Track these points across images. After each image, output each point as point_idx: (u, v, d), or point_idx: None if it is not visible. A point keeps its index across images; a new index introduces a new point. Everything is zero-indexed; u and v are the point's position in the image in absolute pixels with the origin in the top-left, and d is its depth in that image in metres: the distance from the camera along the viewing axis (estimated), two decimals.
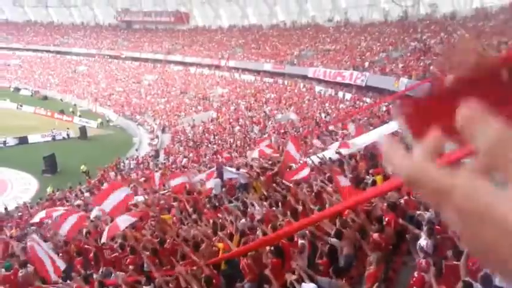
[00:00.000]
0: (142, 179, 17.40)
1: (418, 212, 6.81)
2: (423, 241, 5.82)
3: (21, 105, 45.31)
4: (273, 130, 22.52)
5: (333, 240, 6.46)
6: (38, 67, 65.02)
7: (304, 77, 34.35)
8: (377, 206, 7.23)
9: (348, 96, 27.07)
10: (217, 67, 46.94)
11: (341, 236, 6.43)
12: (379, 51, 29.92)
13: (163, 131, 33.27)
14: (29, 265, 8.25)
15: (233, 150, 19.99)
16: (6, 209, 17.07)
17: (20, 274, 8.08)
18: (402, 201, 7.50)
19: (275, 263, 5.91)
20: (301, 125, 21.38)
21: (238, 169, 13.88)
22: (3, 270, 8.63)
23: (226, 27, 57.50)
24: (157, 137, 31.88)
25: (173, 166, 20.56)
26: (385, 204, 7.11)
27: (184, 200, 10.94)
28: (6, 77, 62.51)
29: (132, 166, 23.22)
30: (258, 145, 15.10)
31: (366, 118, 18.22)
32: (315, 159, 11.54)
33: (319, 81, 32.16)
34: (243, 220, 8.34)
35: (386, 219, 6.67)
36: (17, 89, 55.67)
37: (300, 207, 7.77)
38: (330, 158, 11.01)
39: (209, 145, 24.12)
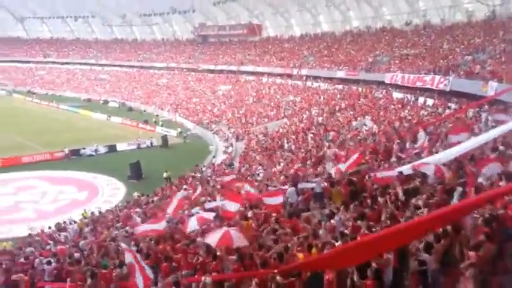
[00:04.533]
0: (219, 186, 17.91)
1: None
2: None
3: (109, 116, 49.38)
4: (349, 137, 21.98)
5: (425, 256, 6.11)
6: (123, 81, 70.50)
7: (380, 83, 33.18)
8: (468, 220, 6.69)
9: (430, 102, 25.56)
10: (289, 76, 47.17)
11: (431, 251, 6.08)
12: (464, 54, 27.95)
13: (237, 139, 34.14)
14: (124, 267, 8.86)
15: (307, 159, 19.82)
16: (100, 211, 18.60)
17: (114, 274, 8.71)
18: (499, 214, 6.87)
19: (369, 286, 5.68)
20: (379, 133, 20.60)
21: (316, 176, 13.76)
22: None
23: (298, 36, 57.71)
24: (231, 145, 32.78)
25: (248, 174, 20.95)
26: (480, 218, 6.56)
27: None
28: (97, 90, 68.68)
29: (209, 173, 24.06)
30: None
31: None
32: (406, 169, 10.87)
33: (397, 87, 30.83)
34: (322, 231, 8.22)
35: (483, 234, 6.15)
36: (106, 102, 60.87)
37: (388, 222, 7.43)
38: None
39: (283, 153, 24.23)
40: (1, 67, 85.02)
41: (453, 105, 22.62)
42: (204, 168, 25.77)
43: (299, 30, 59.66)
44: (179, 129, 40.25)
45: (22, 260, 12.42)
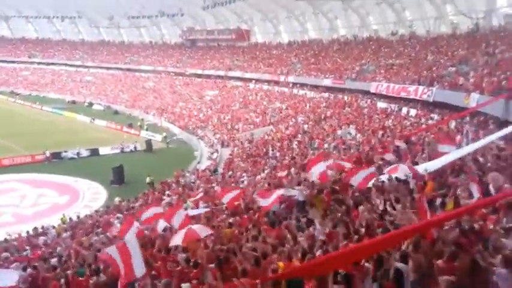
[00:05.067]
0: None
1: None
2: (500, 271, 5.33)
3: (93, 119, 48.75)
4: (333, 146, 22.14)
5: (399, 265, 6.13)
6: (109, 83, 69.81)
7: (366, 92, 33.52)
8: (447, 231, 6.76)
9: (413, 112, 25.92)
10: (276, 83, 47.37)
11: (407, 260, 6.09)
12: (448, 65, 28.46)
13: (222, 145, 34.04)
14: (101, 274, 8.68)
15: (291, 166, 19.87)
16: (78, 217, 18.29)
17: (91, 281, 8.52)
18: (477, 226, 6.96)
19: None
20: (363, 142, 20.78)
21: (299, 184, 13.79)
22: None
23: (286, 43, 58.07)
24: (216, 151, 32.66)
25: (232, 180, 20.88)
26: (457, 229, 6.63)
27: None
28: (82, 92, 67.79)
29: (193, 180, 23.90)
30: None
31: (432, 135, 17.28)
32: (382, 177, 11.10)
33: (382, 96, 31.20)
34: (303, 239, 8.22)
35: (459, 245, 6.20)
36: (91, 104, 60.11)
37: (363, 230, 7.49)
38: (396, 177, 10.55)
39: (268, 160, 24.24)
40: None
41: (436, 116, 22.96)
42: (188, 174, 25.61)
43: (287, 37, 60.08)
44: (164, 134, 39.98)
45: None
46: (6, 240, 15.65)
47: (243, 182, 20.02)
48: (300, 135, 28.15)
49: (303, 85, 43.06)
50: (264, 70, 51.51)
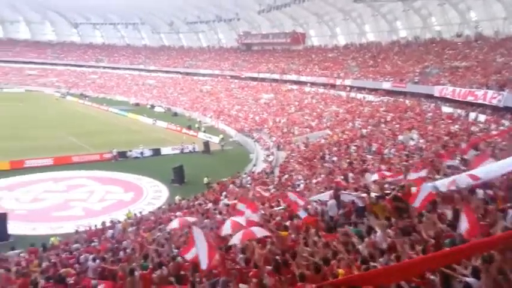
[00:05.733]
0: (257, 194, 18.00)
1: None
2: None
3: (155, 121, 51.03)
4: (394, 151, 21.42)
5: (470, 280, 5.82)
6: (169, 87, 72.69)
7: (429, 96, 32.09)
8: None
9: (482, 117, 24.37)
10: (333, 86, 46.72)
11: (479, 275, 5.78)
12: None
13: (278, 148, 34.15)
14: (163, 267, 9.11)
15: (349, 171, 19.50)
16: (141, 213, 19.21)
17: (154, 275, 8.95)
18: None
19: None
20: (426, 148, 19.90)
21: (356, 190, 13.50)
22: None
23: (342, 46, 57.13)
24: (272, 153, 32.82)
25: (289, 183, 20.87)
26: None
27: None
28: (144, 95, 71.25)
29: (249, 182, 24.19)
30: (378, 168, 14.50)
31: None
32: (442, 185, 10.54)
33: (447, 100, 29.68)
34: (362, 246, 8.05)
35: None
36: (153, 106, 62.98)
37: (432, 241, 7.17)
38: (464, 186, 9.98)
39: (324, 164, 23.94)
40: (57, 70, 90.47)
41: (507, 122, 21.45)
42: (244, 176, 25.96)
43: (344, 40, 59.09)
44: (221, 136, 40.88)
45: (67, 255, 13.07)
46: (77, 231, 16.83)
47: (299, 185, 19.95)
48: (357, 140, 27.52)
49: (360, 88, 42.11)
50: (320, 73, 51.04)
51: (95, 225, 17.50)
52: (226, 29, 77.59)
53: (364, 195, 11.85)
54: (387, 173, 14.43)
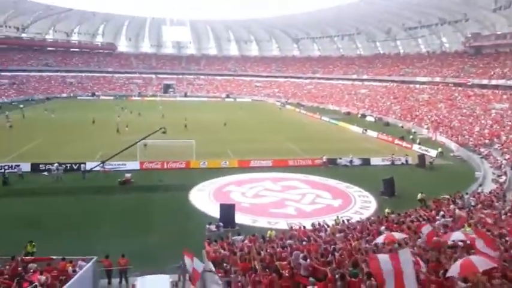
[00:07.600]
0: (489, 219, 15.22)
1: None
2: None
3: (365, 130, 50.48)
4: None
5: None
6: (382, 96, 70.88)
7: None
8: None
9: None
10: None
11: None
12: None
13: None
14: (372, 279, 8.53)
15: None
16: (348, 220, 19.01)
17: (363, 286, 8.48)
18: None
19: None
20: None
21: None
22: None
23: None
24: (505, 173, 27.60)
25: None
26: None
27: None
28: (356, 104, 71.71)
29: (473, 203, 20.91)
30: None
31: None
32: None
33: None
34: None
35: None
36: (363, 116, 62.69)
37: None
38: None
39: None
40: (278, 82, 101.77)
41: None
42: (466, 196, 22.62)
43: None
44: (440, 149, 37.01)
45: (280, 249, 13.93)
46: (291, 228, 17.93)
47: None
48: None
49: None
50: None
51: (304, 226, 18.26)
52: (451, 31, 70.54)
53: None
54: None
